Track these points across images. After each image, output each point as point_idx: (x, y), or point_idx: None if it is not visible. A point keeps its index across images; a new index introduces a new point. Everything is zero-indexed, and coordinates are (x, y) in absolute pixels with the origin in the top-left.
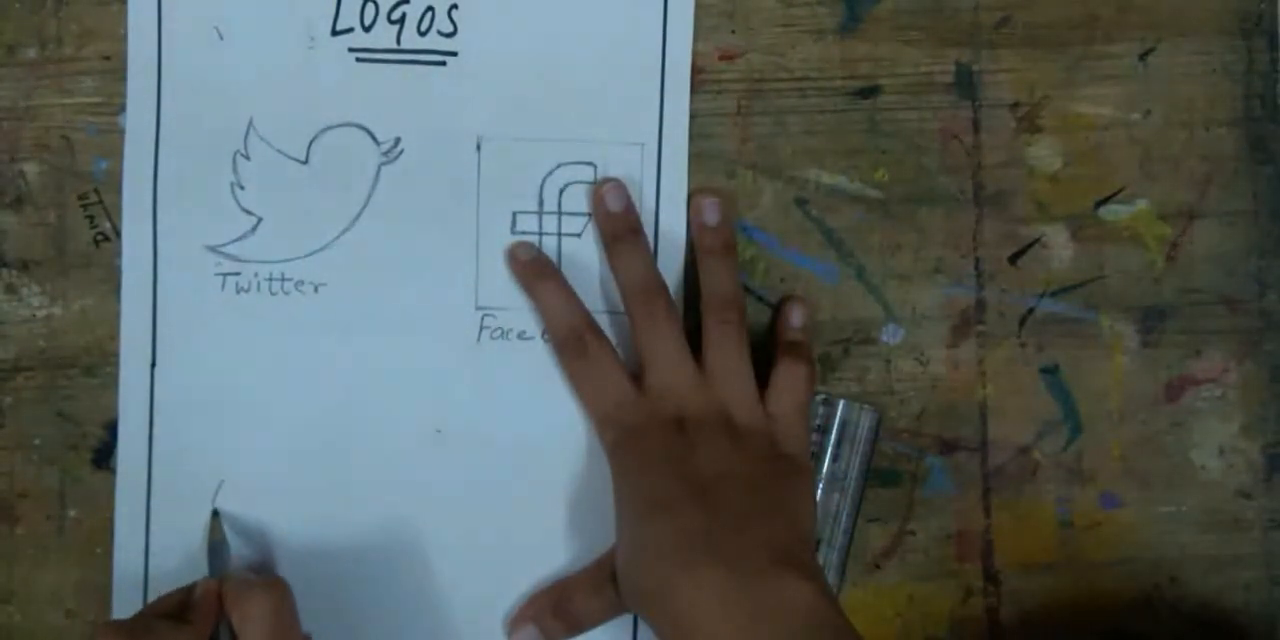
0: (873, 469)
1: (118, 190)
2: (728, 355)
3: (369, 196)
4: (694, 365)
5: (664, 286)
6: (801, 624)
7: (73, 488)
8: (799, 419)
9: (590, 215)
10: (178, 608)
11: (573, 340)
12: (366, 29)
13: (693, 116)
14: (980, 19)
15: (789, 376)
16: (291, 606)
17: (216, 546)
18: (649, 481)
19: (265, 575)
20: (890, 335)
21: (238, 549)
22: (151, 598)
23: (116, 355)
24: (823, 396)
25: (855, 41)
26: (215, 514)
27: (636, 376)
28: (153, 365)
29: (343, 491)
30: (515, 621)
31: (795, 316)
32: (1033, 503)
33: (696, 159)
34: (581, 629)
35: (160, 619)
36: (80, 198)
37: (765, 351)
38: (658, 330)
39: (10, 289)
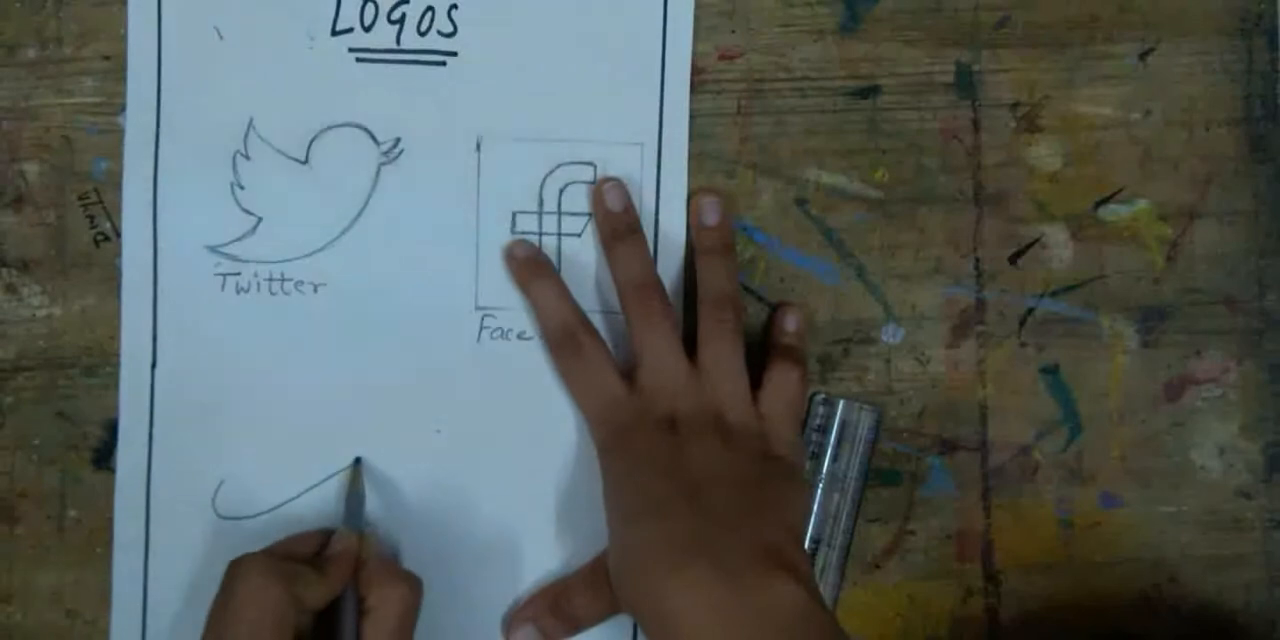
0: (873, 469)
1: (118, 190)
2: (722, 354)
3: (369, 196)
4: (688, 363)
5: (660, 284)
6: (790, 624)
7: (73, 488)
8: (791, 421)
9: (590, 215)
10: (313, 553)
11: (566, 338)
12: (366, 29)
13: (693, 116)
14: (980, 19)
15: (782, 379)
16: (418, 607)
17: (354, 498)
18: (639, 481)
19: (402, 568)
20: (890, 335)
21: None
22: (152, 597)
23: (116, 355)
24: (822, 396)
25: (855, 41)
26: (357, 461)
27: (631, 375)
28: (153, 365)
29: (342, 491)
30: (514, 621)
31: (790, 322)
32: (1033, 503)
33: (696, 159)
34: (580, 628)
35: (303, 565)
36: (80, 198)
37: (761, 354)
38: (652, 327)
39: (10, 289)
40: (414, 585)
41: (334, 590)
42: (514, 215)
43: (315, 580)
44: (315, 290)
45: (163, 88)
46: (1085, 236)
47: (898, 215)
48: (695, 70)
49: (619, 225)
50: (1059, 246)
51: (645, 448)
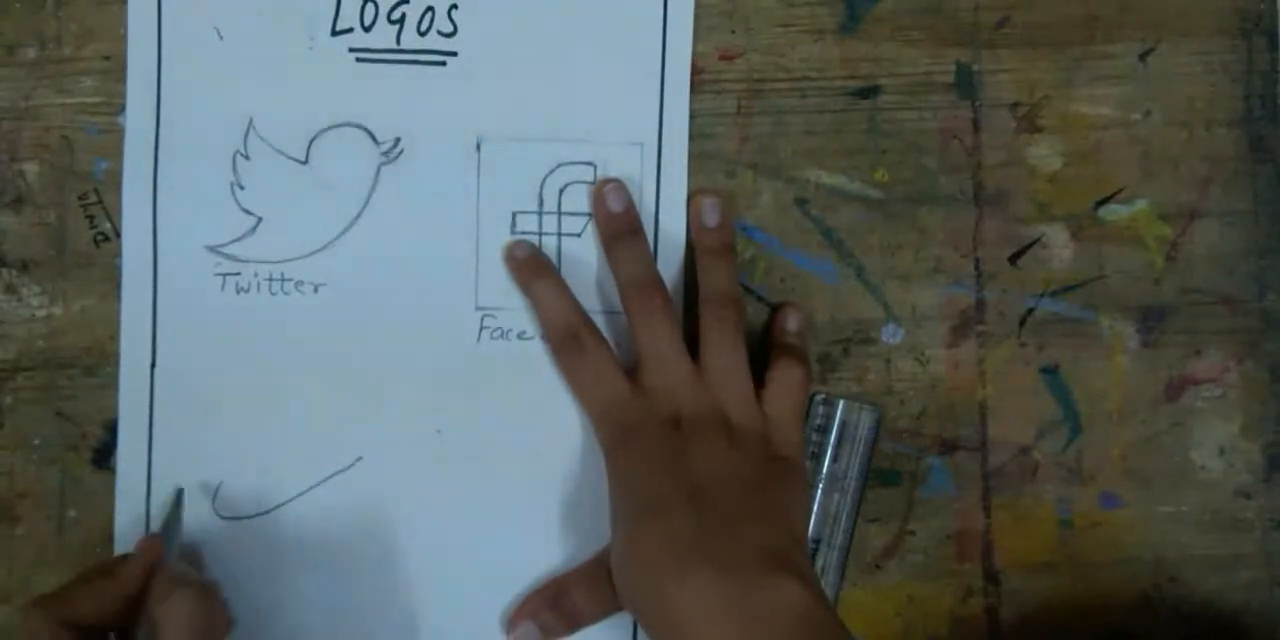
0: (873, 469)
1: (118, 190)
2: (725, 353)
3: (369, 196)
4: (690, 363)
5: (661, 283)
6: (794, 626)
7: (73, 488)
8: (794, 421)
9: (590, 215)
10: (108, 564)
11: (568, 338)
12: (366, 29)
13: (693, 116)
14: (980, 19)
15: (785, 378)
16: (211, 612)
17: (170, 523)
18: (643, 483)
19: (196, 576)
20: (890, 335)
21: (232, 546)
22: None
23: (116, 355)
24: (822, 396)
25: (855, 41)
26: (179, 492)
27: (634, 374)
28: (153, 365)
29: (342, 491)
30: (514, 617)
31: (791, 322)
32: (1033, 503)
33: (696, 159)
34: (580, 625)
35: (83, 577)
36: (80, 198)
37: (762, 354)
38: (654, 326)
39: (10, 289)
40: (198, 592)
41: (122, 590)
42: (514, 215)
43: (102, 582)
44: (315, 290)
45: (163, 88)
46: (1085, 236)
47: (898, 215)
48: (695, 70)
49: (620, 226)
50: (1059, 246)
51: (650, 448)
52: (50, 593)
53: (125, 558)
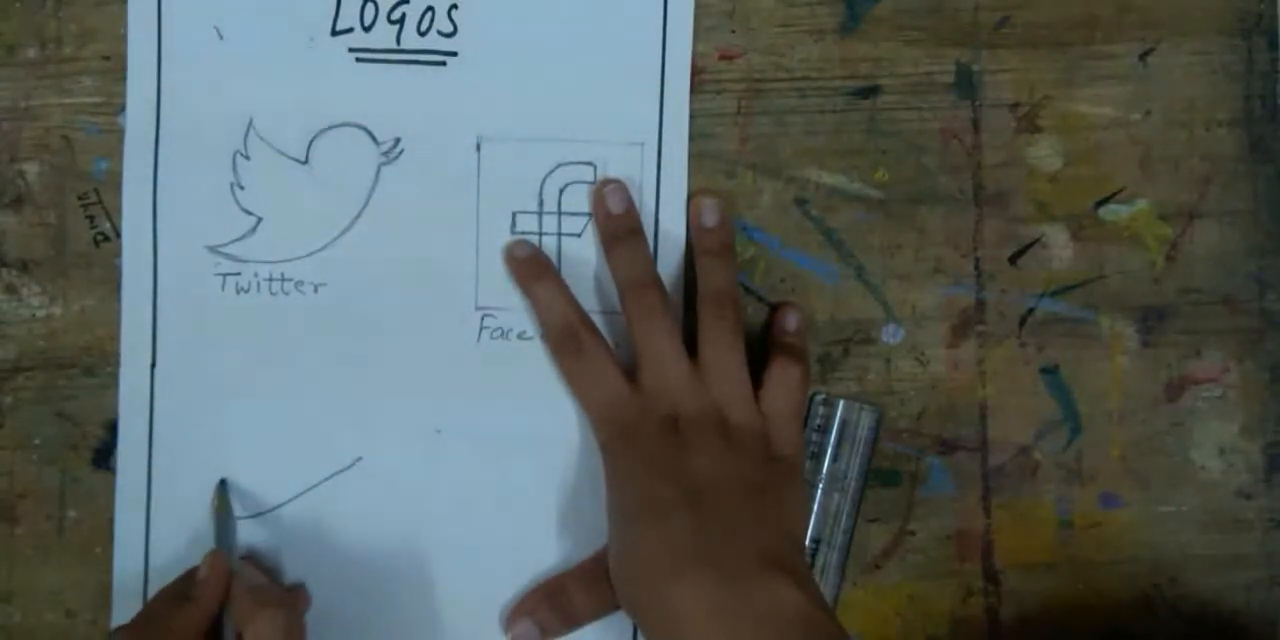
0: (873, 469)
1: (118, 190)
2: (723, 353)
3: (369, 196)
4: (689, 362)
5: (661, 285)
6: (791, 628)
7: (73, 488)
8: (793, 420)
9: (590, 215)
10: (183, 587)
11: (567, 338)
12: (366, 29)
13: (693, 116)
14: (980, 19)
15: (784, 377)
16: (301, 624)
17: (221, 518)
18: (642, 483)
19: (274, 587)
20: (890, 335)
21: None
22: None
23: (116, 355)
24: (823, 396)
25: (855, 41)
26: (222, 483)
27: (633, 375)
28: (153, 365)
29: (342, 491)
30: (512, 616)
31: (790, 321)
32: (1033, 503)
33: (696, 159)
34: (578, 623)
35: (163, 603)
36: (80, 198)
37: (761, 354)
38: (652, 326)
39: (10, 289)
40: (285, 606)
41: (207, 612)
42: (514, 215)
43: (179, 610)
44: (315, 290)
45: (163, 88)
46: (1085, 236)
47: (898, 215)
48: (695, 70)
49: (619, 227)
50: (1059, 246)
51: (648, 449)
52: (134, 621)
53: (193, 575)
